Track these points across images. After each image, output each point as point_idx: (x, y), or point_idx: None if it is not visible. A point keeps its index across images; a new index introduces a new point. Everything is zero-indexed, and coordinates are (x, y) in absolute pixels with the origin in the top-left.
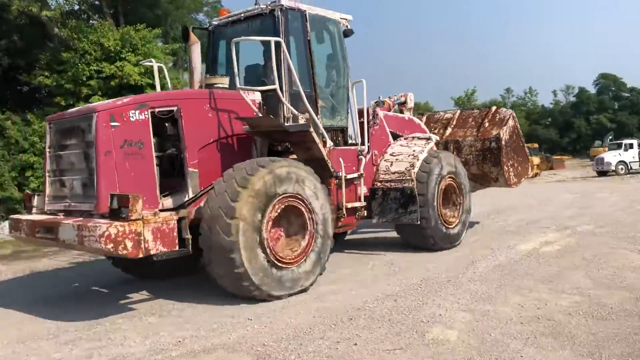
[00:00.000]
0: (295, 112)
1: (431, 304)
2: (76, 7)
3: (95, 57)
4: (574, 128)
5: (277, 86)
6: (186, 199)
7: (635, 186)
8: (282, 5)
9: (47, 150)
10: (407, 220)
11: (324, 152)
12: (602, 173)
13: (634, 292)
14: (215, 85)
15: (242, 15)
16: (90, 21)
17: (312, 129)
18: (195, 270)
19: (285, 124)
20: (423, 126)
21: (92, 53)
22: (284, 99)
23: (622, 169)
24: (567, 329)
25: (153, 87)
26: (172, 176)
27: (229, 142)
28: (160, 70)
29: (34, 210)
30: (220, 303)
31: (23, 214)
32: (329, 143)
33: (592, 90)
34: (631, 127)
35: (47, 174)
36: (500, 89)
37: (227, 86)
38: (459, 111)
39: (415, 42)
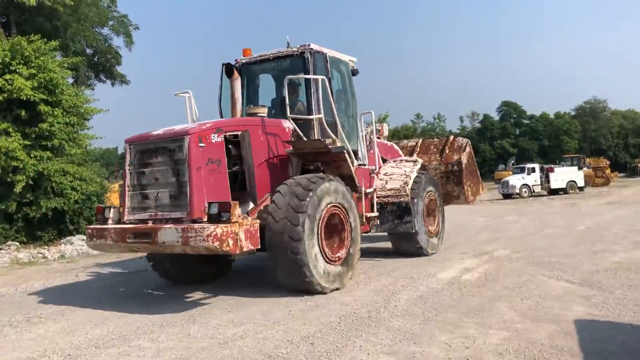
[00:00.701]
0: (333, 137)
1: (352, 346)
2: None
3: None
4: (479, 152)
5: (322, 115)
6: (250, 207)
7: (539, 208)
8: (312, 48)
9: (127, 168)
10: (404, 229)
11: (353, 170)
12: (507, 196)
13: (561, 324)
14: (258, 114)
15: (271, 55)
16: None
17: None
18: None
19: (330, 146)
20: (400, 152)
21: None
22: (326, 126)
23: (525, 191)
24: None
25: (48, 103)
26: (232, 189)
27: (274, 161)
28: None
29: (110, 221)
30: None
31: (97, 225)
32: (356, 163)
33: (496, 117)
34: (531, 151)
35: (127, 189)
36: (411, 115)
37: (266, 115)
38: (420, 140)
39: None
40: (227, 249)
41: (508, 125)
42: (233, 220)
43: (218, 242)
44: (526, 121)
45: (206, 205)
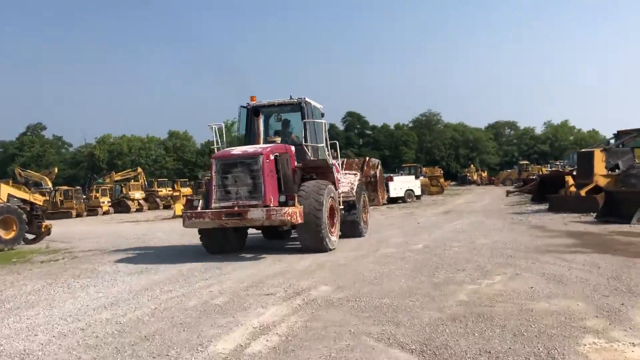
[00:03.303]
0: (326, 157)
1: None
2: None
3: None
4: None
5: (324, 144)
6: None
7: (377, 219)
8: (306, 99)
9: (214, 174)
10: (351, 218)
11: (336, 177)
12: None
13: None
14: (275, 142)
15: (276, 102)
16: None
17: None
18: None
19: (329, 161)
20: (338, 167)
21: None
22: (325, 150)
23: None
24: None
25: None
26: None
27: (290, 172)
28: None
29: (198, 208)
30: None
31: (192, 211)
32: (337, 174)
33: (341, 127)
34: None
35: (213, 187)
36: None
37: (279, 142)
38: (345, 159)
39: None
40: (293, 220)
41: (352, 135)
42: (295, 205)
43: (289, 217)
44: (369, 132)
45: (271, 197)
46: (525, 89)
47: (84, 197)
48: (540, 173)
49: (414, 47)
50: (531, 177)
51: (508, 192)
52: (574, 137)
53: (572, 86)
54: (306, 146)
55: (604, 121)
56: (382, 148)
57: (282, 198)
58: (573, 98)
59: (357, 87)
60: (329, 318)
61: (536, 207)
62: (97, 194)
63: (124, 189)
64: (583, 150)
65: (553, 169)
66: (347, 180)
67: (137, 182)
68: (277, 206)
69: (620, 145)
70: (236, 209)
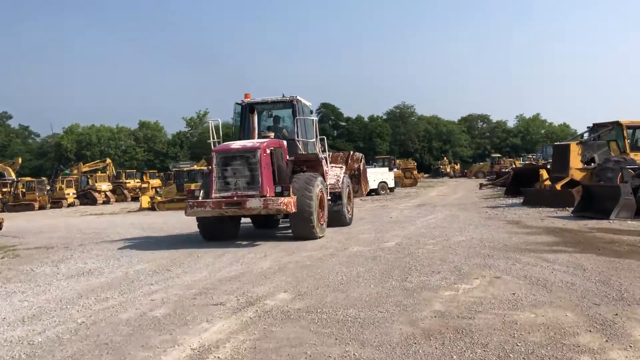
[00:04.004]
0: (316, 151)
1: None
2: None
3: None
4: None
5: (315, 139)
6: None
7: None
8: (297, 98)
9: (214, 166)
10: (337, 209)
11: (325, 170)
12: None
13: None
14: (269, 137)
15: (269, 99)
16: None
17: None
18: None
19: (319, 155)
20: (326, 161)
21: None
22: (318, 145)
23: None
24: None
25: None
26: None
27: (283, 165)
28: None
29: (199, 198)
30: None
31: (194, 200)
32: (325, 167)
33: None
34: None
35: (214, 179)
36: (232, 113)
37: (273, 137)
38: (331, 153)
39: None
40: (288, 209)
41: (327, 127)
42: (290, 195)
43: (285, 206)
44: (343, 123)
45: (267, 187)
46: (497, 82)
47: (49, 188)
48: (514, 166)
49: (388, 39)
50: (503, 170)
51: (481, 185)
52: (545, 130)
53: (543, 80)
54: (298, 141)
55: (574, 115)
56: (356, 140)
57: (279, 189)
58: (544, 92)
59: (332, 79)
60: (284, 335)
61: (510, 200)
62: (62, 186)
63: (90, 180)
64: (558, 143)
65: (527, 162)
66: (334, 173)
67: (103, 174)
68: (273, 196)
69: (597, 139)
70: (235, 198)
